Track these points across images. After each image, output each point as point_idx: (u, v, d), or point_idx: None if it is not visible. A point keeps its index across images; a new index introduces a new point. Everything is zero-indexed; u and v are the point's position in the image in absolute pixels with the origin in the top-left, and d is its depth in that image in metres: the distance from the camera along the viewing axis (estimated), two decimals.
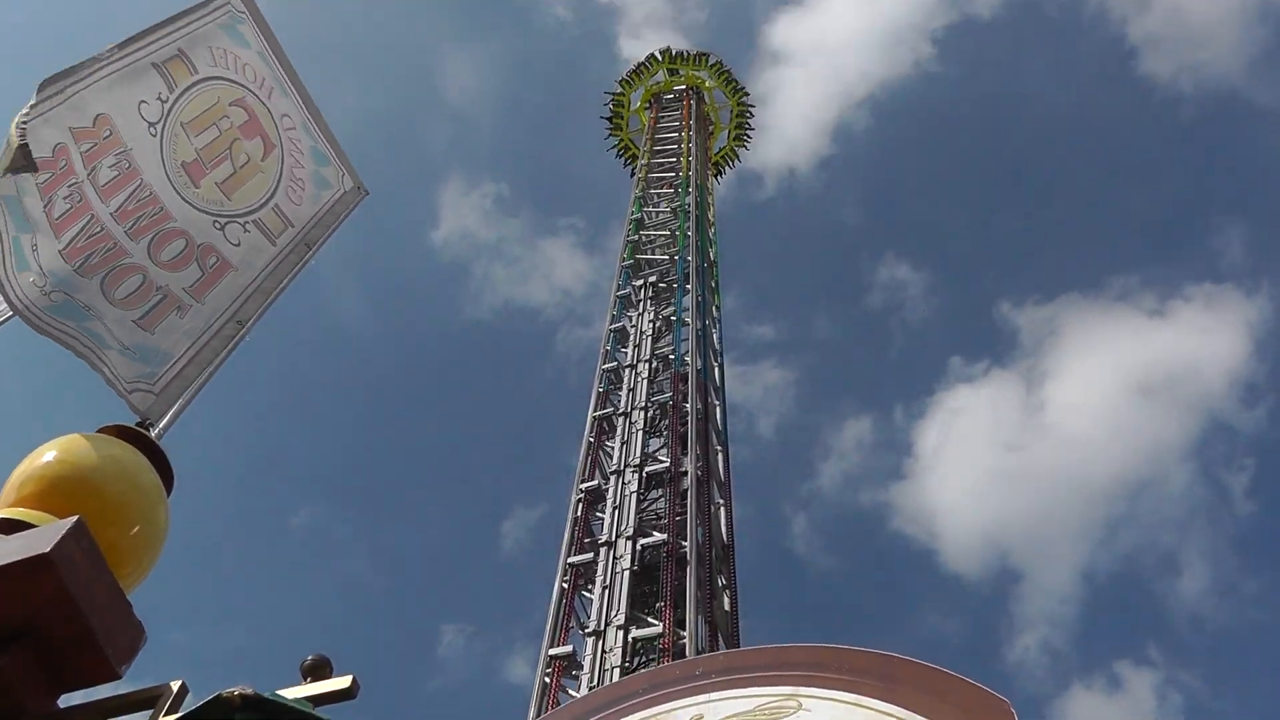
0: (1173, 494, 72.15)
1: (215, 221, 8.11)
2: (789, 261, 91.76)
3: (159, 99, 7.89)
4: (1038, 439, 78.39)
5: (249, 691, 3.59)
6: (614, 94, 51.34)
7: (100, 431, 5.70)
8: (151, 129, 7.80)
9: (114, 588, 4.14)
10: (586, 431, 26.59)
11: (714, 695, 5.56)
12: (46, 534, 3.91)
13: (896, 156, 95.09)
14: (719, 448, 26.72)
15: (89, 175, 7.14)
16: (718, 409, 28.20)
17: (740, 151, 51.86)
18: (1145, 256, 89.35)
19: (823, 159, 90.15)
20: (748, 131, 51.75)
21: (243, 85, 8.76)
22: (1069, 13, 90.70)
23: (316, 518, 74.33)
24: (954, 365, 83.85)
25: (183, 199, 7.91)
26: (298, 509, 77.67)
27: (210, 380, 7.47)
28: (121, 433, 5.75)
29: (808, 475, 79.61)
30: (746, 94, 52.00)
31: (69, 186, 6.91)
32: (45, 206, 6.69)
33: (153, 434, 6.39)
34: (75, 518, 4.05)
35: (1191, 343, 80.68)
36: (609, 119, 50.91)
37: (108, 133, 7.41)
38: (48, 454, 4.91)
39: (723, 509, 24.68)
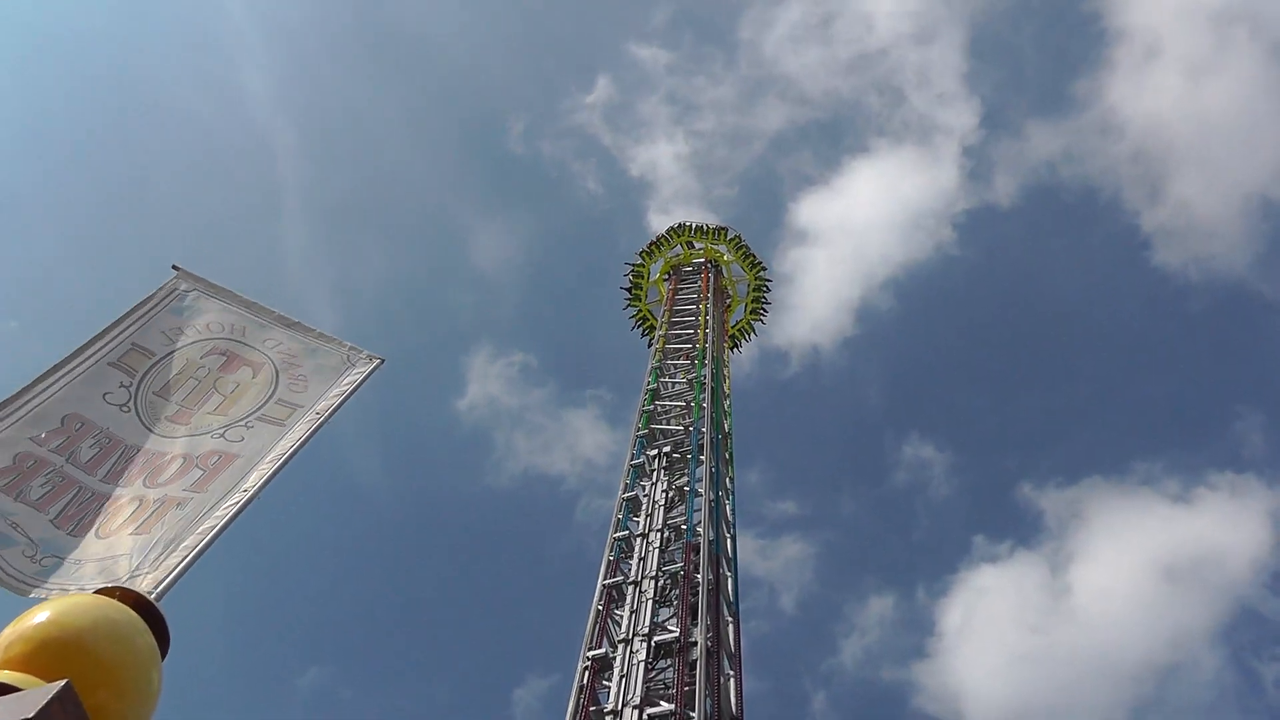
0: (1203, 679, 70.66)
1: (213, 434, 8.37)
2: (813, 438, 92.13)
3: (122, 386, 8.56)
4: (1063, 621, 77.29)
5: None
6: (634, 265, 52.15)
7: (98, 593, 5.75)
8: (123, 409, 8.42)
9: None
10: (595, 599, 26.39)
11: None
12: (31, 699, 3.91)
13: (919, 337, 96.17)
14: (730, 619, 26.41)
15: (68, 460, 7.67)
16: (729, 580, 27.95)
17: (764, 328, 52.50)
18: (1167, 443, 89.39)
19: (847, 338, 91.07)
20: (764, 306, 52.33)
21: (209, 339, 9.28)
22: (1085, 201, 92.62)
23: (324, 679, 73.34)
24: (978, 545, 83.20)
25: (172, 439, 8.30)
26: (305, 670, 76.72)
27: (214, 544, 7.54)
28: (119, 595, 5.80)
29: (829, 651, 78.33)
30: (764, 269, 52.76)
31: (45, 476, 7.41)
32: (17, 498, 7.18)
33: (151, 595, 6.44)
34: (63, 681, 4.07)
35: (1216, 530, 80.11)
36: (628, 289, 51.60)
37: (80, 425, 8.07)
38: (40, 614, 4.90)
39: (732, 680, 24.28)
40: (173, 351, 9.17)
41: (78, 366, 8.51)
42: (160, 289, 9.73)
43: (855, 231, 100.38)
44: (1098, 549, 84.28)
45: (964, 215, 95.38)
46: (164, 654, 5.59)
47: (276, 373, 9.25)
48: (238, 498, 7.75)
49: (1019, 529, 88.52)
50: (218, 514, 7.54)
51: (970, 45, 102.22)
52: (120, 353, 8.84)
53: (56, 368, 8.36)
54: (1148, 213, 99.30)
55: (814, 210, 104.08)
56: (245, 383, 9.02)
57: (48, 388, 8.22)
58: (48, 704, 3.85)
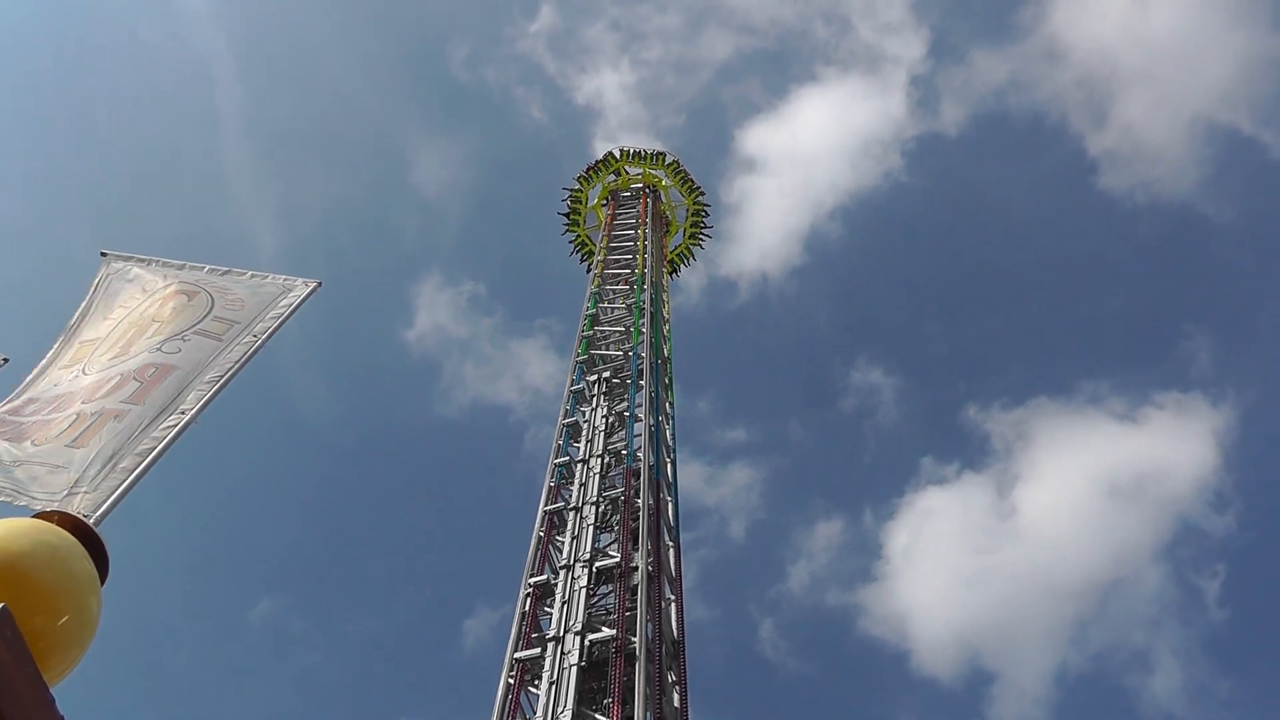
0: (1145, 594, 72.56)
1: (149, 350, 8.23)
2: (762, 366, 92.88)
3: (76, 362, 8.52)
4: (1009, 541, 78.88)
5: None
6: (571, 190, 51.81)
7: (37, 517, 5.60)
8: (74, 379, 8.35)
9: (36, 680, 4.04)
10: (536, 526, 26.41)
11: None
12: None
13: (868, 264, 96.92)
14: (670, 543, 26.57)
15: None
16: (669, 505, 28.09)
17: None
18: (1115, 363, 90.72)
19: (795, 266, 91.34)
20: (703, 231, 52.31)
21: (144, 297, 9.29)
22: (1031, 127, 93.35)
23: (275, 610, 73.49)
24: (925, 467, 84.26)
25: (111, 367, 8.22)
26: (257, 601, 76.81)
27: (154, 468, 7.35)
28: (58, 520, 5.65)
29: (777, 577, 79.41)
30: (702, 193, 52.65)
31: None
32: None
33: (90, 520, 6.28)
34: (0, 606, 3.95)
35: (1161, 448, 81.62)
36: (566, 215, 51.31)
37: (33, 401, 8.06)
38: None
39: (674, 605, 24.46)
40: (110, 314, 9.27)
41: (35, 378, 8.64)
42: (95, 279, 9.91)
43: (803, 160, 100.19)
44: (1043, 469, 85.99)
45: (913, 143, 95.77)
46: (103, 580, 5.47)
47: (212, 298, 9.14)
48: (175, 420, 7.56)
49: (966, 451, 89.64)
50: (155, 434, 7.35)
51: None
52: (70, 352, 8.97)
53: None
54: (1094, 137, 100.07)
55: (762, 138, 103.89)
56: (181, 306, 8.94)
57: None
58: None
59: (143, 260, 10.07)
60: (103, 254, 10.17)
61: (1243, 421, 78.16)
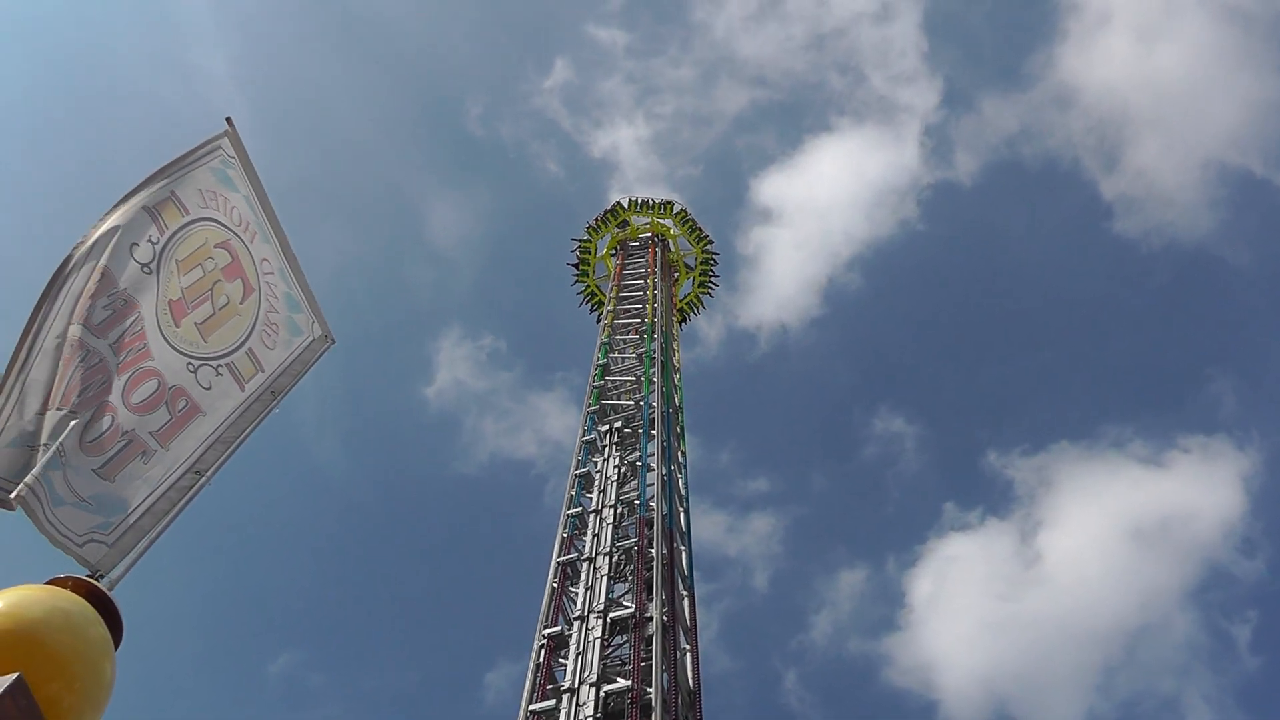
0: (1174, 641, 71.76)
1: (189, 364, 8.12)
2: (783, 416, 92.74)
3: (149, 241, 7.97)
4: (1034, 587, 78.17)
5: None
6: (580, 240, 51.94)
7: (50, 583, 5.62)
8: (145, 268, 7.85)
9: None
10: (550, 577, 26.32)
11: None
12: None
13: (886, 312, 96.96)
14: (685, 593, 26.45)
15: (85, 319, 7.09)
16: (683, 554, 27.98)
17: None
18: (1139, 407, 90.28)
19: (814, 316, 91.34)
20: (712, 279, 52.40)
21: (228, 228, 8.90)
22: (1045, 173, 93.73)
23: (294, 665, 73.22)
24: (948, 514, 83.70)
25: (163, 337, 7.91)
26: (275, 656, 76.51)
27: (167, 530, 7.39)
28: (72, 585, 5.67)
29: (800, 627, 78.77)
30: (711, 242, 52.75)
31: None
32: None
33: (104, 584, 6.30)
34: (14, 675, 3.96)
35: (1188, 493, 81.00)
36: (575, 265, 51.44)
37: (100, 276, 7.44)
38: None
39: (689, 655, 24.33)
40: (200, 219, 8.64)
41: (117, 207, 7.83)
42: (206, 142, 9.17)
43: (819, 210, 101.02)
44: (1068, 514, 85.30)
45: (928, 191, 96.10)
46: (117, 644, 5.49)
47: (259, 308, 9.00)
48: (191, 480, 7.60)
49: (989, 497, 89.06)
50: (171, 494, 7.38)
51: (925, 22, 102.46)
52: (158, 199, 8.23)
53: (98, 225, 7.62)
54: (1107, 182, 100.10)
55: (778, 189, 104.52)
56: (234, 303, 8.71)
57: (86, 251, 7.45)
58: None
59: (250, 172, 9.44)
60: (228, 121, 9.43)
61: (1269, 465, 77.63)
